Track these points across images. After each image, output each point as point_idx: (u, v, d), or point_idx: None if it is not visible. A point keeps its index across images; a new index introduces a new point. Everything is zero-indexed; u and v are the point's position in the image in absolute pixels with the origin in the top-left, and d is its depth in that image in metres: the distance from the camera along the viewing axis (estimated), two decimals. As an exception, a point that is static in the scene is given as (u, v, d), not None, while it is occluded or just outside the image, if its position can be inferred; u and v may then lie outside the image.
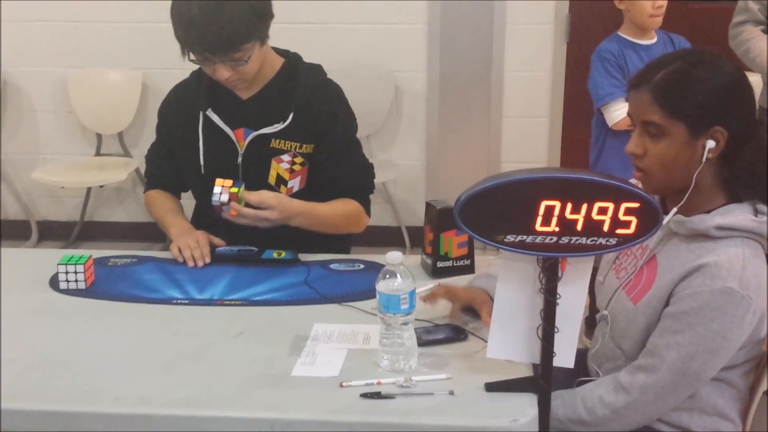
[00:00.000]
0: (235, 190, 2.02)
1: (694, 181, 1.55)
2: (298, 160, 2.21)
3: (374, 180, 2.35)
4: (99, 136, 4.49)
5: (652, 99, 1.55)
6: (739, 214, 1.55)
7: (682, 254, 1.58)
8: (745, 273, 1.49)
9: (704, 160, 1.54)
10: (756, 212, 1.57)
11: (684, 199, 1.56)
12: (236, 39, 2.01)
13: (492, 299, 1.62)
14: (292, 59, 2.27)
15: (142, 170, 4.32)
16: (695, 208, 1.59)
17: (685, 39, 3.36)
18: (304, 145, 2.21)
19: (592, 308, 1.83)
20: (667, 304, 1.56)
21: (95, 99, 4.41)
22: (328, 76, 2.30)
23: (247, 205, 2.05)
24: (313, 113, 2.21)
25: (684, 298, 1.52)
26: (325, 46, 3.90)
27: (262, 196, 2.06)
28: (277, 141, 2.20)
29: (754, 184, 1.56)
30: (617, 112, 3.13)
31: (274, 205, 2.06)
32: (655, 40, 3.27)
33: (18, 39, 4.39)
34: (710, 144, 1.53)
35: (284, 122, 2.18)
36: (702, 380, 1.54)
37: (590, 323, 1.92)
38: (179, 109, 2.30)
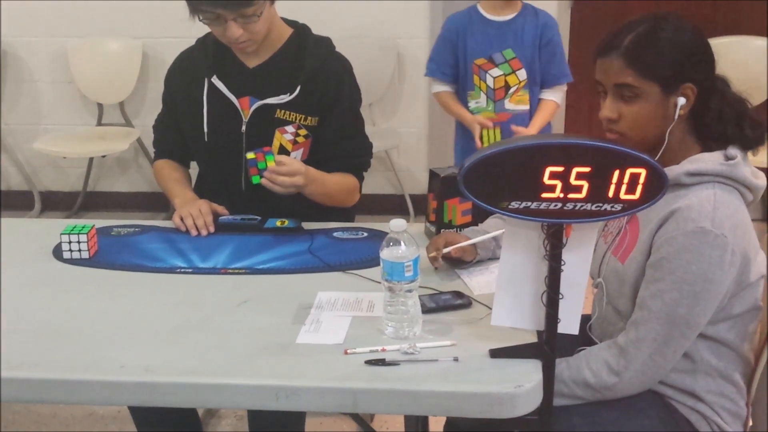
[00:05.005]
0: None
1: (667, 138, 1.59)
2: (302, 132, 2.20)
3: (371, 159, 2.36)
4: (100, 106, 4.48)
5: (624, 63, 1.59)
6: (708, 160, 1.58)
7: (658, 205, 1.57)
8: (717, 213, 1.51)
9: (677, 117, 1.58)
10: (726, 158, 1.59)
11: (659, 155, 1.60)
12: None
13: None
14: (301, 30, 2.26)
15: (144, 140, 4.34)
16: (669, 161, 1.61)
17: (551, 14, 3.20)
18: (309, 118, 2.20)
19: None
20: (649, 255, 1.58)
21: (96, 69, 4.39)
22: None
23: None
24: (320, 87, 2.20)
25: (661, 245, 1.54)
26: (326, 14, 3.85)
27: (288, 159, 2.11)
28: (282, 112, 2.19)
29: (724, 131, 1.61)
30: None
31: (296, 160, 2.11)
32: (512, 16, 3.10)
33: (18, 8, 4.36)
34: (681, 101, 1.58)
35: (291, 94, 2.17)
36: (692, 327, 1.54)
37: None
38: (184, 75, 2.28)
